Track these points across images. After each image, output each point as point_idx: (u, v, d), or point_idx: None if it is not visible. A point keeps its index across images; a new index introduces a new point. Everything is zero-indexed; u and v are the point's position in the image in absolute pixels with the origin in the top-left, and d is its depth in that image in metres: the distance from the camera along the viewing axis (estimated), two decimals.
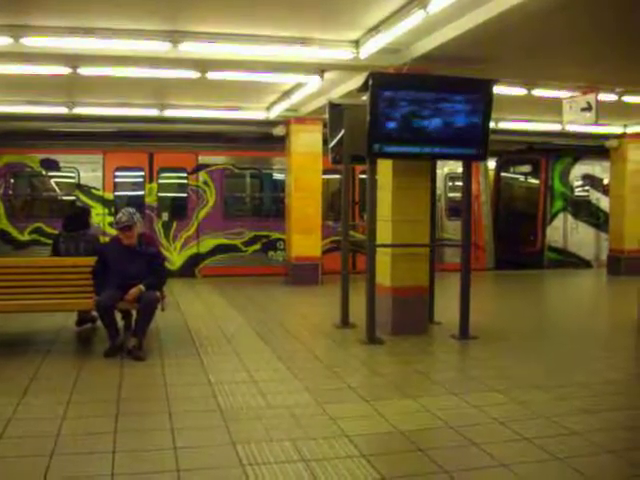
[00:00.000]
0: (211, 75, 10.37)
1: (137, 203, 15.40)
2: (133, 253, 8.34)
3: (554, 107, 11.96)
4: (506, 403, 6.30)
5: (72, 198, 16.06)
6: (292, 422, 5.72)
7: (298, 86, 11.84)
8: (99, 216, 15.62)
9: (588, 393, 6.66)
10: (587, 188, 20.25)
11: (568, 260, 19.67)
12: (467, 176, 9.57)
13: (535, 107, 13.75)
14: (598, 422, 5.75)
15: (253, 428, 5.55)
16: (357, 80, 9.91)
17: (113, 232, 11.67)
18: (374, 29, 8.39)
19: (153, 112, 14.16)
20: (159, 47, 8.74)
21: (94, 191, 16.11)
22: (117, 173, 16.41)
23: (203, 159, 16.77)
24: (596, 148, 18.47)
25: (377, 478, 4.55)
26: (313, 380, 7.11)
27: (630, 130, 16.98)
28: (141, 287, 8.10)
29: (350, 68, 9.98)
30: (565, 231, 19.70)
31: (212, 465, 4.77)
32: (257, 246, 17.02)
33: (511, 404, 6.26)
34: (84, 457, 4.89)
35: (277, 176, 17.66)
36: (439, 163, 13.50)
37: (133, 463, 4.79)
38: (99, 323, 8.69)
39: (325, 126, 11.42)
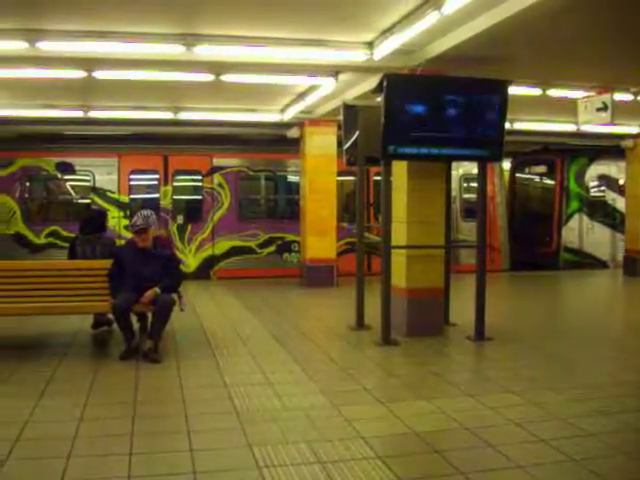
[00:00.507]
0: (225, 78, 10.41)
1: (152, 206, 15.37)
2: (148, 256, 8.37)
3: (569, 107, 11.92)
4: (522, 404, 6.28)
5: (88, 201, 16.14)
6: (308, 424, 5.72)
7: (312, 88, 11.86)
8: (114, 219, 15.66)
9: (603, 394, 6.63)
10: (603, 188, 20.14)
11: (584, 261, 19.58)
12: (482, 177, 9.55)
13: (550, 107, 13.69)
14: (613, 424, 5.72)
15: (269, 430, 5.56)
16: (371, 81, 9.89)
17: (128, 235, 11.71)
18: (388, 31, 8.39)
19: (168, 115, 14.22)
20: (173, 50, 8.77)
21: (109, 194, 16.18)
22: (132, 176, 16.48)
23: (218, 161, 16.82)
24: (612, 148, 18.40)
25: (393, 479, 4.56)
26: (328, 382, 7.12)
27: None
28: (156, 290, 8.13)
29: (364, 70, 9.98)
30: (581, 232, 19.60)
31: (228, 467, 4.78)
32: (272, 248, 17.05)
33: (527, 405, 6.25)
34: (101, 459, 4.92)
35: (291, 178, 17.69)
36: (454, 164, 13.48)
37: (149, 465, 4.82)
38: (115, 326, 8.72)
39: (339, 128, 11.45)
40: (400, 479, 4.56)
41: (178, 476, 4.61)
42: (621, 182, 19.64)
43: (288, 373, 7.47)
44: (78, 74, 9.97)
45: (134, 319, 8.65)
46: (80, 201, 16.54)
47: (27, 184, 16.27)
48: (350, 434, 5.45)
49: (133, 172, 16.49)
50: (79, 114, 13.77)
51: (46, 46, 8.48)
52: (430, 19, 7.40)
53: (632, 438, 5.47)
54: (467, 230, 17.14)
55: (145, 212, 8.61)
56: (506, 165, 20.94)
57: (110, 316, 8.96)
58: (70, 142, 16.03)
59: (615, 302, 14.75)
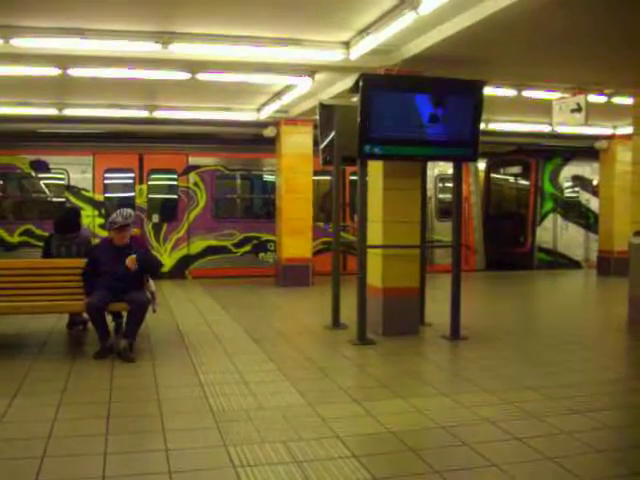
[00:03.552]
0: (201, 76, 10.39)
1: (127, 204, 15.36)
2: (124, 254, 8.33)
3: (544, 108, 12.00)
4: (497, 403, 6.31)
5: (62, 200, 16.02)
6: (284, 423, 5.72)
7: (289, 87, 11.86)
8: (89, 218, 15.58)
9: (578, 393, 6.68)
10: (577, 189, 20.33)
11: (558, 261, 19.76)
12: (457, 177, 9.59)
13: (525, 108, 13.80)
14: (588, 422, 5.77)
15: (245, 429, 5.55)
16: (348, 81, 9.93)
17: (103, 233, 11.66)
18: (365, 30, 8.39)
19: (143, 113, 14.16)
20: (149, 48, 8.73)
21: (84, 192, 16.08)
22: (107, 174, 16.38)
23: (193, 160, 16.78)
24: (586, 149, 18.57)
25: (368, 478, 4.55)
26: (304, 381, 7.11)
27: (619, 131, 17.08)
28: (134, 256, 8.21)
29: (341, 69, 9.99)
30: (555, 232, 19.79)
31: (204, 467, 4.76)
32: (248, 247, 17.04)
33: (502, 404, 6.28)
34: (75, 459, 4.89)
35: (267, 177, 17.67)
36: (429, 164, 13.55)
37: (125, 465, 4.78)
38: (90, 325, 8.67)
39: (316, 127, 11.44)
40: (376, 478, 4.56)
41: (153, 476, 4.58)
42: (595, 183, 19.84)
43: (264, 372, 7.46)
44: (53, 71, 9.90)
45: (109, 318, 8.60)
46: (54, 199, 16.42)
47: (0, 182, 16.12)
48: (326, 433, 5.45)
49: (108, 170, 16.39)
50: (54, 112, 13.68)
51: (21, 43, 8.41)
52: (407, 19, 7.42)
53: (606, 436, 5.52)
54: (442, 230, 17.23)
55: (125, 211, 8.58)
56: (481, 165, 21.06)
57: (85, 315, 8.91)
58: (44, 140, 15.90)
59: (589, 302, 14.90)
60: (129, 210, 8.66)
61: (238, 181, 17.76)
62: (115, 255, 8.32)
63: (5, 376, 7.15)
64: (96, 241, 10.96)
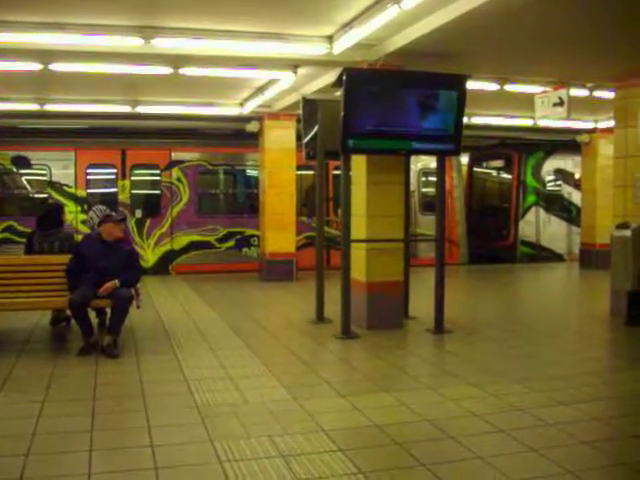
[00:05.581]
0: (184, 71, 10.32)
1: (110, 200, 15.36)
2: (110, 250, 8.31)
3: (526, 102, 12.03)
4: (482, 396, 6.33)
5: (44, 196, 15.94)
6: (269, 418, 5.71)
7: (271, 82, 11.83)
8: (71, 214, 15.49)
9: (563, 385, 6.72)
10: (559, 182, 20.43)
11: (541, 254, 19.85)
12: (440, 171, 9.62)
13: (507, 102, 13.83)
14: (573, 414, 5.80)
15: (230, 424, 5.54)
16: (331, 75, 9.92)
17: (85, 229, 11.61)
18: (348, 25, 8.39)
19: (126, 108, 14.07)
20: (132, 43, 8.68)
21: (66, 188, 16.00)
22: (89, 170, 16.29)
23: (176, 156, 16.73)
24: (568, 143, 18.66)
25: (355, 472, 4.55)
26: (289, 375, 7.12)
27: (601, 125, 17.16)
28: (116, 282, 8.06)
29: (324, 64, 9.97)
30: (537, 225, 19.87)
31: (190, 462, 4.74)
32: (231, 242, 17.02)
33: (487, 397, 6.30)
34: (60, 456, 4.86)
35: (251, 172, 17.65)
36: (412, 158, 13.56)
37: (110, 461, 4.76)
38: (74, 322, 8.63)
39: (299, 122, 11.42)
40: (362, 471, 4.57)
41: (139, 472, 4.57)
42: (577, 176, 19.93)
43: (249, 367, 7.45)
44: (34, 66, 9.82)
45: (93, 315, 8.56)
46: (36, 195, 16.33)
47: None
48: (312, 427, 5.45)
49: (90, 166, 16.30)
50: (35, 107, 13.59)
51: (1, 38, 8.34)
52: (390, 13, 7.42)
53: (592, 427, 5.54)
54: (425, 224, 17.26)
55: (102, 207, 8.62)
56: (463, 159, 21.10)
57: (69, 312, 8.87)
58: (26, 135, 15.80)
59: (572, 294, 14.98)
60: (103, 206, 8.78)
61: (221, 176, 17.74)
62: (102, 251, 8.29)
63: None
64: (79, 237, 10.90)
